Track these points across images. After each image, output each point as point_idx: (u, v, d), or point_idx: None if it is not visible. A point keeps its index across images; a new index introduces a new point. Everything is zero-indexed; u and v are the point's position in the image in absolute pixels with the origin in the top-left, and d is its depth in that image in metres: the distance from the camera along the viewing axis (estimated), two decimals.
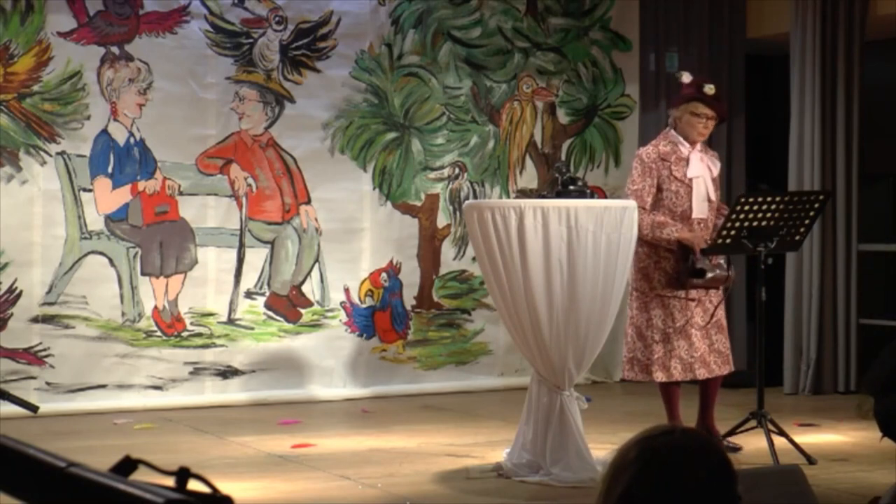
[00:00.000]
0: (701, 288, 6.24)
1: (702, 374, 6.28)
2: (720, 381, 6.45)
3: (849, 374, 8.44)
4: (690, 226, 6.25)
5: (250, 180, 8.29)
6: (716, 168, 6.45)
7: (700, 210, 6.29)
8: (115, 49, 7.95)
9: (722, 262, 6.32)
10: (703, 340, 6.27)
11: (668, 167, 6.28)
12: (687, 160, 6.30)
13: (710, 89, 6.31)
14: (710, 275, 6.21)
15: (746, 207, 6.05)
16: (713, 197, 6.38)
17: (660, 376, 6.25)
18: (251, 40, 8.30)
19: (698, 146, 6.39)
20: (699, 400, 6.48)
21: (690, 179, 6.28)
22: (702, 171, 6.32)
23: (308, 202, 8.45)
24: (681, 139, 6.34)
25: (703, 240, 6.21)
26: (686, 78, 6.43)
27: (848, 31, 8.46)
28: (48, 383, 7.72)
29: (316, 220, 8.46)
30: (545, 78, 9.16)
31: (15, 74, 7.69)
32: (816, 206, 6.25)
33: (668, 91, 8.69)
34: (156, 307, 8.04)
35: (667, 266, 6.23)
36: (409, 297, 8.75)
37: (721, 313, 6.40)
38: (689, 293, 6.24)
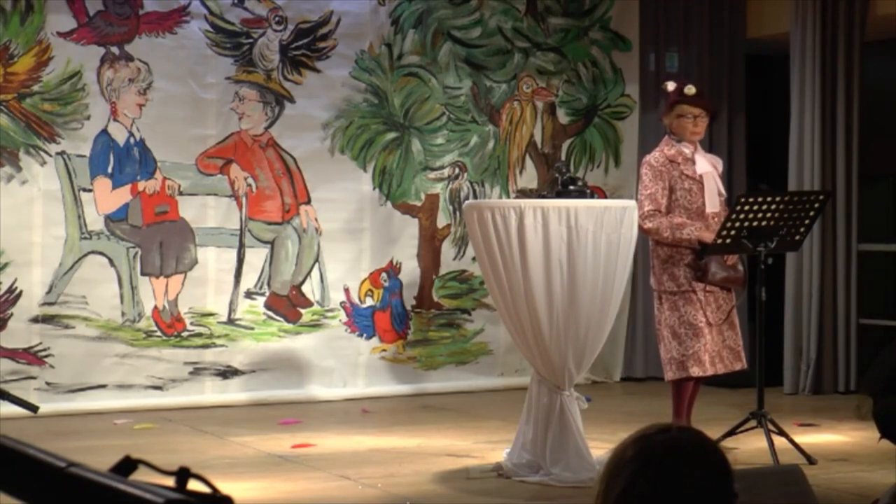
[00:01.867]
0: (717, 285, 6.31)
1: (720, 368, 6.39)
2: (700, 383, 6.52)
3: (849, 374, 8.44)
4: (706, 221, 6.32)
5: (250, 180, 8.29)
6: (720, 165, 6.61)
7: (713, 204, 6.39)
8: (115, 49, 7.95)
9: (738, 263, 6.40)
10: (718, 336, 6.36)
11: (677, 168, 6.36)
12: (692, 159, 6.38)
13: (689, 89, 6.44)
14: (723, 274, 6.29)
15: (746, 207, 6.07)
16: (723, 191, 6.52)
17: (696, 371, 6.30)
18: (251, 40, 8.30)
19: (698, 147, 6.47)
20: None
21: (701, 175, 6.36)
22: (709, 168, 6.41)
23: (308, 202, 8.45)
24: (681, 142, 6.41)
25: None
26: (671, 86, 6.55)
27: (848, 31, 8.46)
28: (48, 383, 7.73)
29: (316, 220, 8.46)
30: (545, 78, 9.16)
31: (15, 74, 7.69)
32: (816, 206, 6.27)
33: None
34: (156, 307, 8.04)
35: (689, 261, 6.30)
36: (409, 297, 8.75)
37: (734, 312, 6.47)
38: (706, 287, 6.31)
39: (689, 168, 6.37)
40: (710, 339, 6.33)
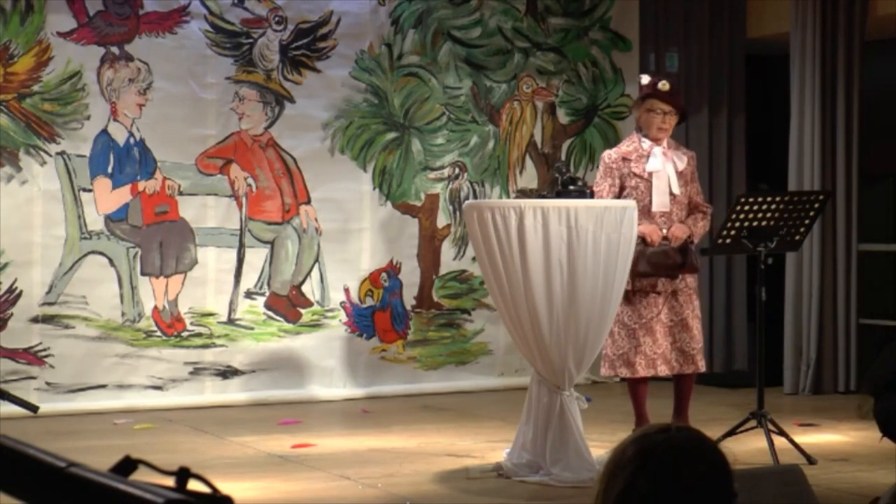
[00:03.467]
0: (650, 276, 6.22)
1: (662, 370, 6.31)
2: (692, 380, 6.48)
3: (849, 374, 8.44)
4: (652, 220, 6.28)
5: (250, 180, 8.29)
6: (681, 163, 6.42)
7: (660, 204, 6.31)
8: (115, 49, 7.95)
9: (676, 251, 6.26)
10: (666, 337, 6.29)
11: (628, 165, 6.34)
12: (647, 156, 6.32)
13: (663, 85, 6.38)
14: (654, 262, 6.19)
15: (746, 207, 6.07)
16: (676, 191, 6.36)
17: (624, 372, 6.29)
18: (251, 40, 8.30)
19: (664, 143, 6.40)
20: (674, 399, 6.50)
21: (650, 174, 6.31)
22: (663, 166, 6.33)
23: (308, 202, 8.45)
24: (643, 137, 6.38)
25: (659, 231, 6.23)
26: (645, 79, 6.52)
27: (848, 31, 8.46)
28: (48, 383, 7.73)
29: (316, 220, 8.46)
30: (545, 78, 9.16)
31: (15, 74, 7.69)
32: (816, 206, 6.26)
33: None
34: (156, 307, 8.04)
35: None
36: (409, 297, 8.76)
37: (688, 313, 6.36)
38: (655, 286, 6.24)
39: (639, 166, 6.32)
40: (651, 341, 6.26)
